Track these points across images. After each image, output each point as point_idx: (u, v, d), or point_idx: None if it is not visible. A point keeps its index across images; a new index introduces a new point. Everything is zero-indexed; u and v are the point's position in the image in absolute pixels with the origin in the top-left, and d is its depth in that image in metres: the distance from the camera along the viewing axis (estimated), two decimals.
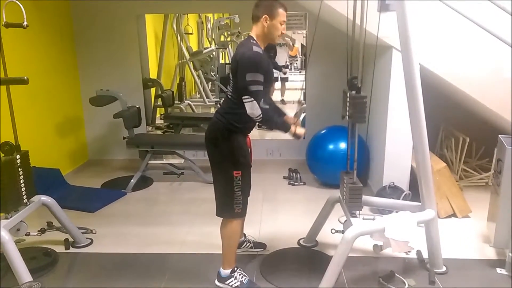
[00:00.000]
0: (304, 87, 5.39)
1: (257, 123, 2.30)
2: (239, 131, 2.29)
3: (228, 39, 8.82)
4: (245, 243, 2.86)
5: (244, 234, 2.87)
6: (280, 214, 3.59)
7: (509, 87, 3.16)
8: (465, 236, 3.10)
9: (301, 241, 3.02)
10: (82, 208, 3.61)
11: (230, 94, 2.30)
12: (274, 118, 2.27)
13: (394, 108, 3.39)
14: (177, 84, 7.01)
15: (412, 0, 2.20)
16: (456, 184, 3.48)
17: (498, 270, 2.62)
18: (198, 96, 9.09)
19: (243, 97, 2.14)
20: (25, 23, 2.49)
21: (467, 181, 4.14)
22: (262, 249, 2.88)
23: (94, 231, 3.13)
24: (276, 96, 7.94)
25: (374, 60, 3.62)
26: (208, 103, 8.27)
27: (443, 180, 3.35)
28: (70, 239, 2.96)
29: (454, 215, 3.40)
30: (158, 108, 6.84)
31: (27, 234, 2.81)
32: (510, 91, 3.16)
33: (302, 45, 12.95)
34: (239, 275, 2.42)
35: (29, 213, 2.61)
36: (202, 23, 9.08)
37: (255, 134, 5.17)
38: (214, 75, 8.70)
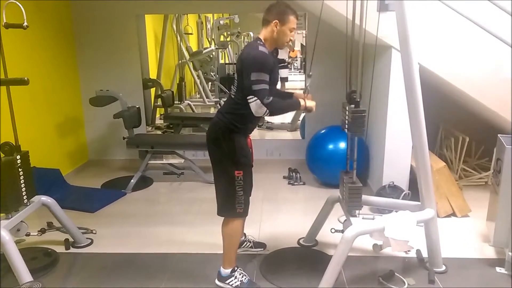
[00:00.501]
0: (308, 85, 5.37)
1: (257, 125, 2.28)
2: (240, 131, 2.29)
3: (228, 39, 8.83)
4: (245, 242, 2.86)
5: (244, 234, 2.87)
6: (280, 213, 3.60)
7: (509, 87, 3.17)
8: (465, 235, 3.10)
9: (301, 241, 3.02)
10: (82, 208, 3.61)
11: (234, 94, 2.29)
12: (281, 103, 2.21)
13: (393, 108, 3.40)
14: (177, 84, 7.01)
15: (411, 0, 2.21)
16: (456, 184, 3.48)
17: (498, 269, 2.63)
18: (198, 96, 9.10)
19: (248, 98, 2.13)
20: (25, 23, 2.48)
21: (467, 181, 4.14)
22: (262, 249, 2.88)
23: (94, 231, 3.14)
24: None
25: (373, 60, 3.62)
26: (207, 103, 8.27)
27: (442, 179, 3.35)
28: (70, 239, 2.96)
29: (453, 214, 3.40)
30: (158, 108, 6.85)
31: (27, 235, 2.82)
32: (510, 91, 3.17)
33: (301, 45, 12.98)
34: (240, 274, 2.43)
35: (29, 213, 2.61)
36: (202, 23, 9.09)
37: (255, 134, 5.16)
38: (214, 75, 8.70)
